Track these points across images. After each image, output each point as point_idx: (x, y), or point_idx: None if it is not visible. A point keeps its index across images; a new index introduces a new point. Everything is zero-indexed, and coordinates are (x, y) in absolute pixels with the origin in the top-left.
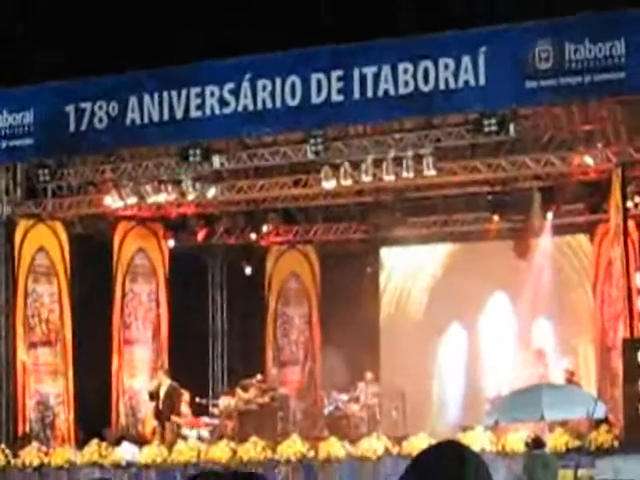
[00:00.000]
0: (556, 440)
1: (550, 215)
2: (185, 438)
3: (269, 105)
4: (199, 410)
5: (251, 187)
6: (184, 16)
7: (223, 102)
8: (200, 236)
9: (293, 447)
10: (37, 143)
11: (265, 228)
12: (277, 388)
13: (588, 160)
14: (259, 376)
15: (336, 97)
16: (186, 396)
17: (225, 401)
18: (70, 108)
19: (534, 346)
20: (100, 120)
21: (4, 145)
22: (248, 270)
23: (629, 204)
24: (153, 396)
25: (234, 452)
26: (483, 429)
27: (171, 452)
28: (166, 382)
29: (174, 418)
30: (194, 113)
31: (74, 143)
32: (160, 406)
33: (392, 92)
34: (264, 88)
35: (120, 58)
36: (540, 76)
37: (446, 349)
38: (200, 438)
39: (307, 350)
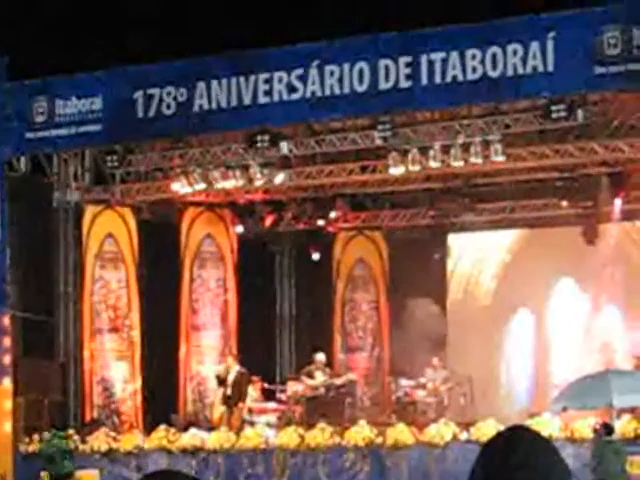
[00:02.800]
0: (625, 427)
1: (618, 201)
2: (252, 424)
3: (337, 91)
4: (267, 396)
5: (319, 173)
6: (254, 2)
7: (291, 88)
8: (268, 222)
9: (361, 433)
10: (105, 129)
11: (333, 214)
12: (345, 374)
13: None
14: (319, 356)
15: (404, 83)
16: (256, 381)
17: (293, 387)
18: (138, 94)
19: (601, 332)
20: (168, 106)
21: (73, 131)
22: (316, 256)
23: None
24: (221, 380)
25: (302, 438)
26: (551, 415)
27: (239, 438)
28: (235, 368)
29: (242, 404)
30: (262, 99)
31: (142, 129)
32: (229, 392)
33: (460, 78)
34: (332, 74)
35: (188, 44)
36: (608, 62)
37: (513, 335)
38: (268, 424)
39: (375, 336)
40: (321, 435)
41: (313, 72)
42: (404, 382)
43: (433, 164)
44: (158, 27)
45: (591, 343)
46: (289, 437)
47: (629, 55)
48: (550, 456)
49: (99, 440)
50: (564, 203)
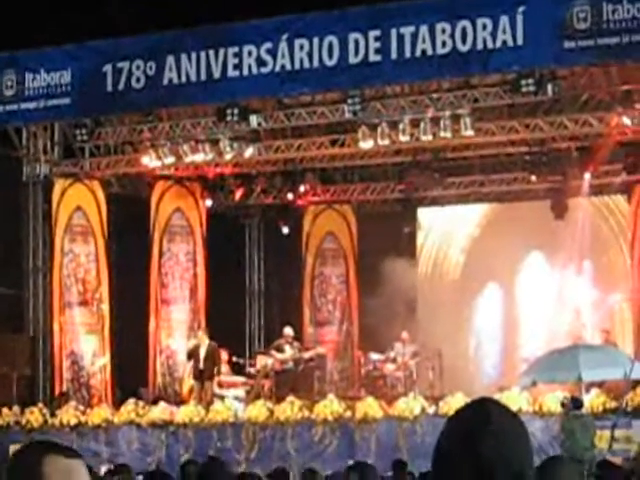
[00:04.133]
0: (593, 401)
1: (587, 175)
2: (222, 398)
3: (306, 65)
4: (236, 370)
5: (288, 147)
6: None
7: (261, 62)
8: (237, 196)
9: (330, 407)
10: (75, 102)
11: (302, 188)
12: (314, 348)
13: (626, 120)
14: (288, 330)
15: (373, 57)
16: (224, 355)
17: (262, 361)
18: (108, 67)
19: (570, 307)
20: (138, 80)
21: (42, 104)
22: (285, 230)
23: None
24: (190, 355)
25: (271, 412)
26: (520, 389)
27: (208, 412)
28: (205, 342)
29: (216, 378)
30: (232, 73)
31: (111, 102)
32: (201, 366)
33: (430, 52)
34: (302, 48)
35: (158, 17)
36: (578, 36)
37: (483, 309)
38: (237, 398)
39: (344, 310)
40: (290, 409)
41: (283, 46)
42: (373, 356)
43: (403, 138)
44: (128, 1)
45: (560, 317)
46: (258, 411)
47: (598, 29)
48: (518, 430)
49: (68, 414)
50: (533, 177)
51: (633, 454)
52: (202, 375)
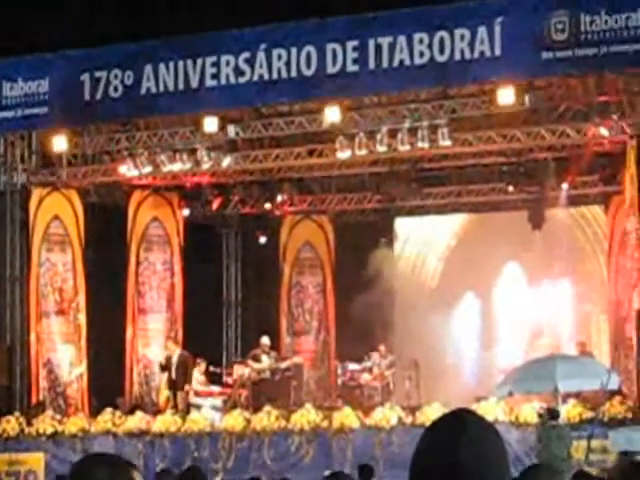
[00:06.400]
0: (570, 411)
1: (565, 186)
2: (199, 407)
3: (284, 75)
4: (213, 379)
5: (266, 157)
6: None
7: (238, 71)
8: (215, 205)
9: (307, 417)
10: (52, 112)
11: (280, 198)
12: (291, 357)
13: (603, 131)
14: (265, 339)
15: (351, 67)
16: (201, 364)
17: (239, 370)
18: (85, 77)
19: (547, 317)
20: (115, 89)
21: (20, 113)
22: (262, 240)
23: None
24: (164, 368)
25: (248, 421)
26: (496, 400)
27: (185, 421)
28: (176, 352)
29: (187, 387)
30: (209, 82)
31: (89, 112)
32: (173, 376)
33: (407, 62)
34: (279, 58)
35: (136, 27)
36: (556, 47)
37: (460, 319)
38: (214, 407)
39: (321, 320)
40: (267, 419)
41: (260, 56)
42: (350, 366)
43: (380, 148)
44: (105, 10)
45: (537, 328)
46: (235, 421)
47: (576, 40)
48: (494, 440)
49: (44, 423)
50: (511, 188)
51: (610, 464)
52: (175, 385)
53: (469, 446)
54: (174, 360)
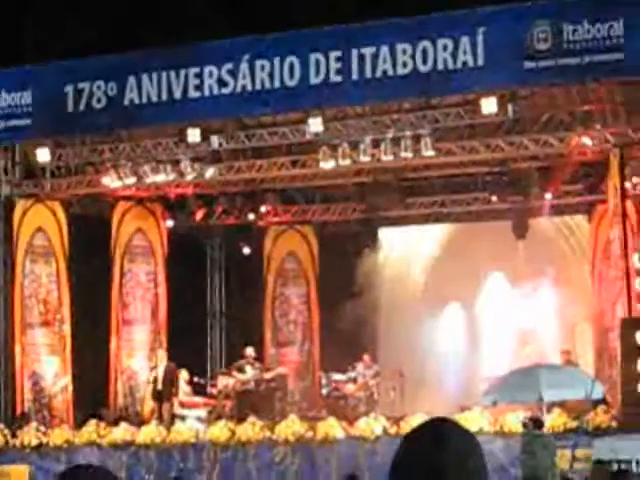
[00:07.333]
0: (554, 421)
1: (548, 196)
2: (183, 418)
3: (267, 85)
4: (197, 390)
5: (249, 167)
6: None
7: (222, 82)
8: (198, 216)
9: (291, 427)
10: (36, 123)
11: (263, 208)
12: (275, 368)
13: (586, 141)
14: (249, 350)
15: (334, 77)
16: (185, 375)
17: (223, 381)
18: (69, 88)
19: (531, 327)
20: (99, 100)
21: (2, 125)
22: (246, 250)
23: (627, 185)
24: (153, 379)
25: (232, 432)
26: (481, 409)
27: (169, 432)
28: (163, 362)
29: (174, 399)
30: (193, 93)
31: (73, 123)
32: (159, 386)
33: (390, 73)
34: (262, 68)
35: (119, 39)
36: (538, 57)
37: (444, 329)
38: (198, 418)
39: (305, 330)
40: (251, 429)
41: (244, 66)
42: (335, 376)
43: (363, 158)
44: (88, 21)
45: (521, 337)
46: (219, 431)
47: (559, 50)
48: (473, 448)
49: (29, 435)
50: (494, 198)
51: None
52: (161, 396)
53: (448, 455)
54: (161, 371)
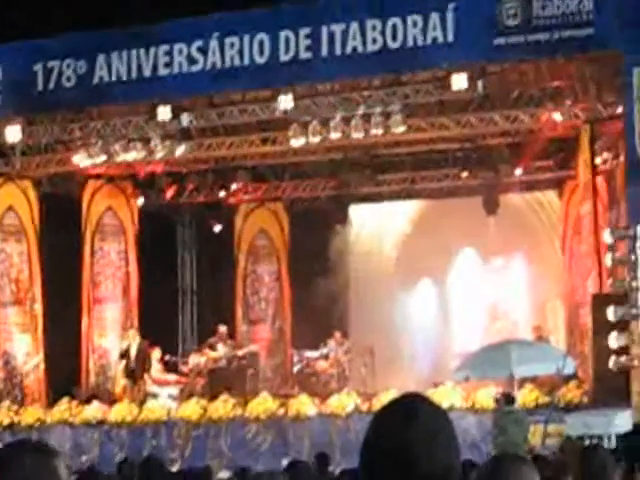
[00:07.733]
0: (526, 396)
1: (519, 171)
2: (155, 396)
3: (237, 63)
4: (169, 368)
5: (220, 145)
6: None
7: (191, 60)
8: (169, 194)
9: (263, 404)
10: (5, 102)
11: (234, 186)
12: (247, 346)
13: (557, 117)
14: (221, 328)
15: (304, 54)
16: (157, 353)
17: (195, 359)
18: (38, 67)
19: (502, 302)
20: (68, 78)
21: None
22: (217, 228)
23: (597, 160)
24: (123, 355)
25: (204, 410)
26: (453, 385)
27: (141, 410)
28: (136, 340)
29: (146, 377)
30: (162, 71)
31: (42, 102)
32: (132, 364)
33: (360, 49)
34: (232, 46)
35: (88, 16)
36: (508, 32)
37: (415, 305)
38: (170, 396)
39: (277, 307)
40: (223, 407)
41: (213, 44)
42: (306, 353)
43: (334, 135)
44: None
45: (492, 313)
46: (191, 409)
47: (528, 26)
48: (444, 424)
49: (1, 414)
50: (465, 174)
51: (557, 446)
52: (133, 374)
53: (419, 430)
54: (133, 349)
